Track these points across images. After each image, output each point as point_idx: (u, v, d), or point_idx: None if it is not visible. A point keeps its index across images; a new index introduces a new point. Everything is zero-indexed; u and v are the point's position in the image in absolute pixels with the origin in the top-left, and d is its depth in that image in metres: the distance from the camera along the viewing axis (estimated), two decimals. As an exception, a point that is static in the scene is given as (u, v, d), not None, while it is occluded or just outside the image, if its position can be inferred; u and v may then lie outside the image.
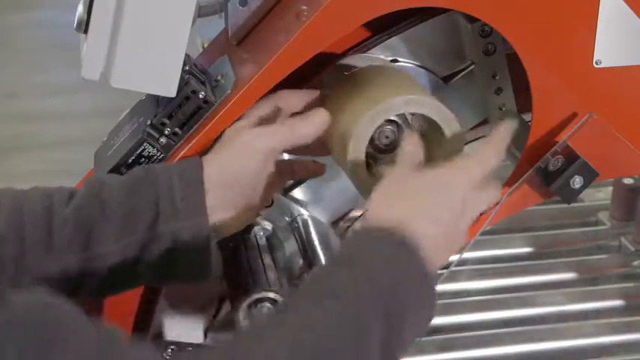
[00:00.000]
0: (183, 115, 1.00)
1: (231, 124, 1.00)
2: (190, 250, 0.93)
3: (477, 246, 1.74)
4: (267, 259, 1.11)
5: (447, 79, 1.13)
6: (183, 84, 0.99)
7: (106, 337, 0.72)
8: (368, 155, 0.99)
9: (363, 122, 0.96)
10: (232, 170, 0.96)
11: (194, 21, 0.99)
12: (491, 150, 0.95)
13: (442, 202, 0.89)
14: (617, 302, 1.74)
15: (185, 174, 0.94)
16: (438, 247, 0.87)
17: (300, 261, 1.13)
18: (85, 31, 0.96)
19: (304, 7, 0.99)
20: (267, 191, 1.01)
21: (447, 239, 0.89)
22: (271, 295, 1.00)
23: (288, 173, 1.08)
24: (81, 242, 0.92)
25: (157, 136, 1.01)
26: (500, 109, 1.13)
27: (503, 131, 0.96)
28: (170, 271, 0.95)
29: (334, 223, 1.20)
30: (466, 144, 1.19)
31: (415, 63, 1.12)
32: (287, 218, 1.18)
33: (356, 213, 1.20)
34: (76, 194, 0.94)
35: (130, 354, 0.73)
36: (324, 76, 1.11)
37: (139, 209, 0.93)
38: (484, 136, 1.17)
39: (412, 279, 0.84)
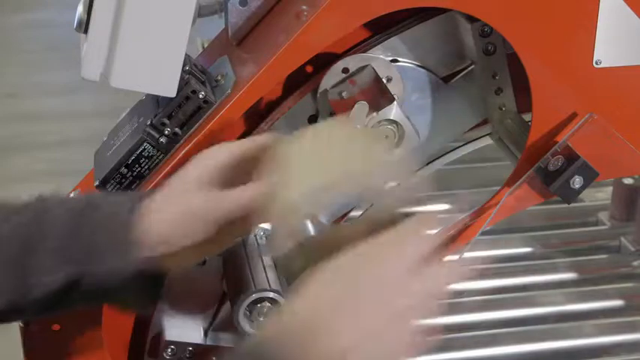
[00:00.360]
0: (184, 115, 1.00)
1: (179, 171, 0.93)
2: (122, 286, 0.90)
3: (477, 246, 1.74)
4: (267, 259, 1.10)
5: (447, 79, 1.13)
6: (183, 84, 0.99)
7: None
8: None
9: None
10: (172, 228, 0.90)
11: (194, 21, 0.99)
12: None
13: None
14: (617, 302, 1.74)
15: (119, 219, 0.90)
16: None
17: (300, 261, 1.13)
18: (85, 31, 0.96)
19: (304, 7, 0.99)
20: (226, 236, 0.94)
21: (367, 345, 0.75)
22: (271, 295, 1.00)
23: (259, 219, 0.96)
24: (16, 268, 0.90)
25: (157, 136, 1.01)
26: (500, 109, 1.12)
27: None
28: (106, 300, 0.96)
29: (334, 223, 1.20)
30: (466, 144, 1.20)
31: (415, 63, 1.12)
32: (287, 218, 1.17)
33: (356, 213, 1.20)
34: (19, 212, 0.92)
35: None
36: None
37: (73, 243, 0.90)
38: (486, 136, 1.17)
39: None
